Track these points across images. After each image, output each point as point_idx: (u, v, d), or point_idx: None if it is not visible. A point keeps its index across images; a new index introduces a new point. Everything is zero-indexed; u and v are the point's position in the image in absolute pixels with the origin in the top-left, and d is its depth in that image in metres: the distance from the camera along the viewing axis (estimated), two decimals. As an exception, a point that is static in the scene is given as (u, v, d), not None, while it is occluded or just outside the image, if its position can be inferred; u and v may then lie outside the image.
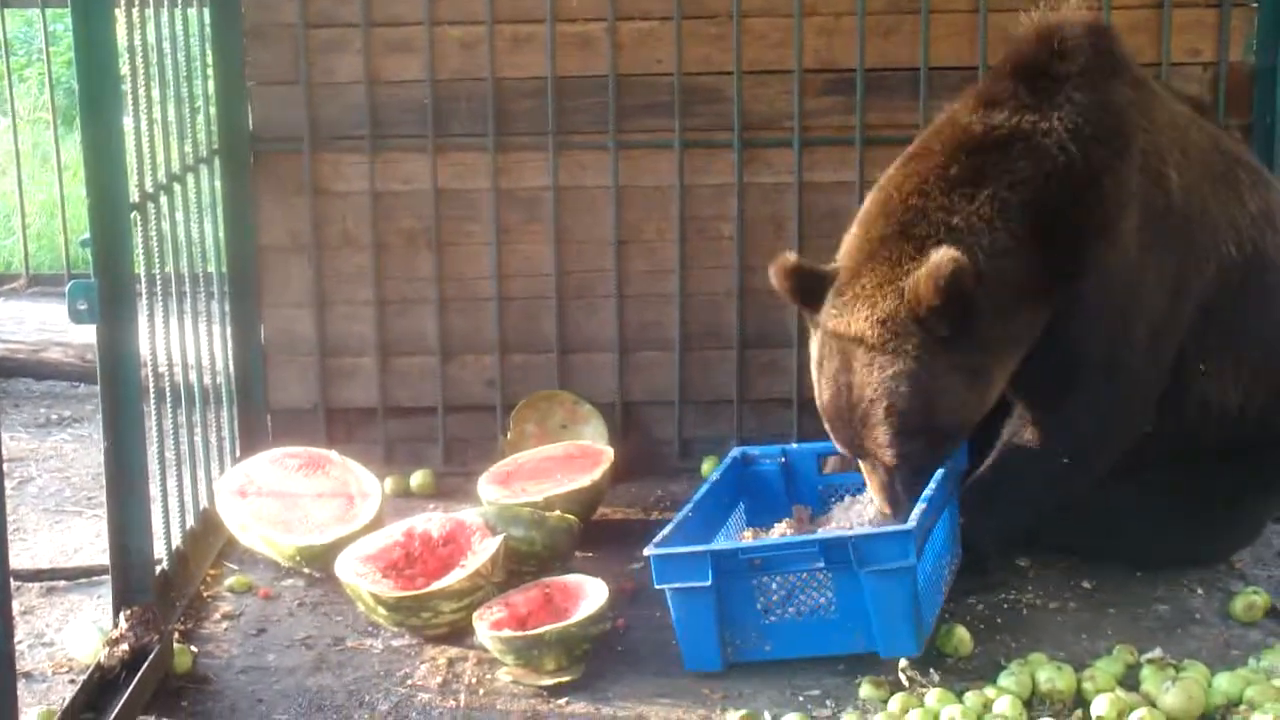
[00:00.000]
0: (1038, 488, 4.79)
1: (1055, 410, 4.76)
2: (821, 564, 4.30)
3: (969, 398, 4.58)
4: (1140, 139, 4.71)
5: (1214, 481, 4.87)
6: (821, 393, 4.66)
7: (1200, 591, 4.86)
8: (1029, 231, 4.58)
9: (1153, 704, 4.16)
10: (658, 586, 4.40)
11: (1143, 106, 4.77)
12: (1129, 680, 4.32)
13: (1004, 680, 4.26)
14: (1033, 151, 4.63)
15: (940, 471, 4.57)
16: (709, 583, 4.34)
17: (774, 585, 4.40)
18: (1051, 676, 4.25)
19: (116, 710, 4.03)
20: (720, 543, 4.57)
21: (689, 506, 4.72)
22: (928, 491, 4.49)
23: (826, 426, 4.68)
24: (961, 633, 4.51)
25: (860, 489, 4.80)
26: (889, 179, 4.77)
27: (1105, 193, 4.63)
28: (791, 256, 4.71)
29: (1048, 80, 4.71)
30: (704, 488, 4.86)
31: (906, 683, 4.32)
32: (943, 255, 4.40)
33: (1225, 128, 5.26)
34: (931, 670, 4.38)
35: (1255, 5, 5.77)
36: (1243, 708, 4.14)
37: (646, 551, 4.43)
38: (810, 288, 4.67)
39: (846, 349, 4.56)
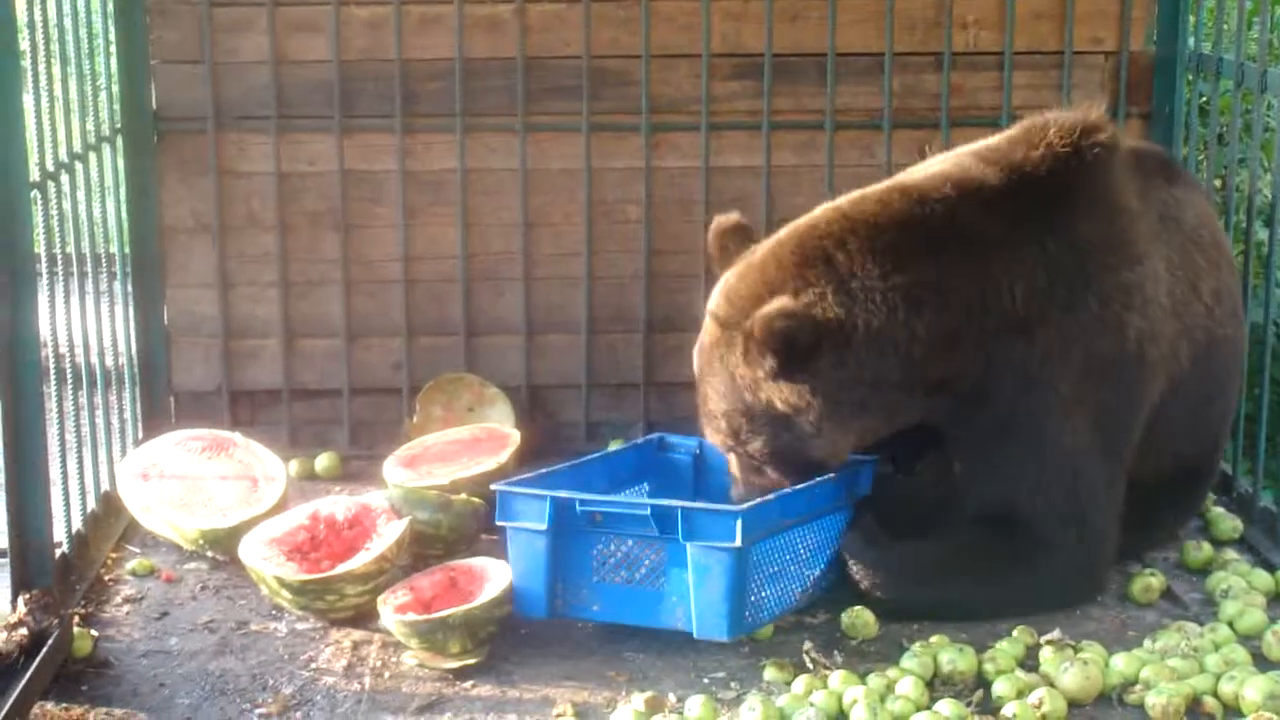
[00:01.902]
0: (970, 594, 4.65)
1: (1012, 560, 4.62)
2: (654, 530, 4.34)
3: (788, 440, 4.57)
4: (1100, 286, 4.57)
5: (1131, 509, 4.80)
6: None
7: (1099, 574, 4.92)
8: (931, 337, 4.49)
9: (1052, 684, 4.21)
10: (496, 523, 4.49)
11: (1114, 243, 4.62)
12: (1029, 661, 4.37)
13: (907, 662, 4.30)
14: (974, 269, 4.51)
15: (832, 477, 4.63)
16: (545, 526, 4.40)
17: (611, 546, 4.44)
18: (953, 658, 4.30)
19: (14, 696, 3.98)
20: (562, 491, 4.55)
21: (567, 464, 4.82)
22: (798, 488, 4.54)
23: None
24: (865, 615, 4.55)
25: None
26: (863, 194, 4.66)
27: (1034, 344, 4.54)
28: (734, 216, 4.83)
29: (1028, 198, 4.55)
30: (594, 455, 4.99)
31: (810, 664, 4.35)
32: (773, 308, 4.40)
33: (1189, 184, 5.07)
34: (835, 652, 4.42)
35: (1156, -5, 5.85)
36: (1138, 687, 4.21)
37: (493, 486, 4.53)
38: (731, 255, 4.77)
39: (707, 332, 4.67)
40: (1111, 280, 4.59)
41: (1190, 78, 5.80)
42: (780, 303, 4.43)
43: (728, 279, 4.70)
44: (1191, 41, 5.77)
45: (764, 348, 4.43)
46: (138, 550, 5.08)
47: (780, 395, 4.52)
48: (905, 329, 4.47)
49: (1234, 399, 5.11)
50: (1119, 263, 4.62)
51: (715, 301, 4.69)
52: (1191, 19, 5.78)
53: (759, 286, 4.56)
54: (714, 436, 4.75)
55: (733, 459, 4.77)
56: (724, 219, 4.86)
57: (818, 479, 4.60)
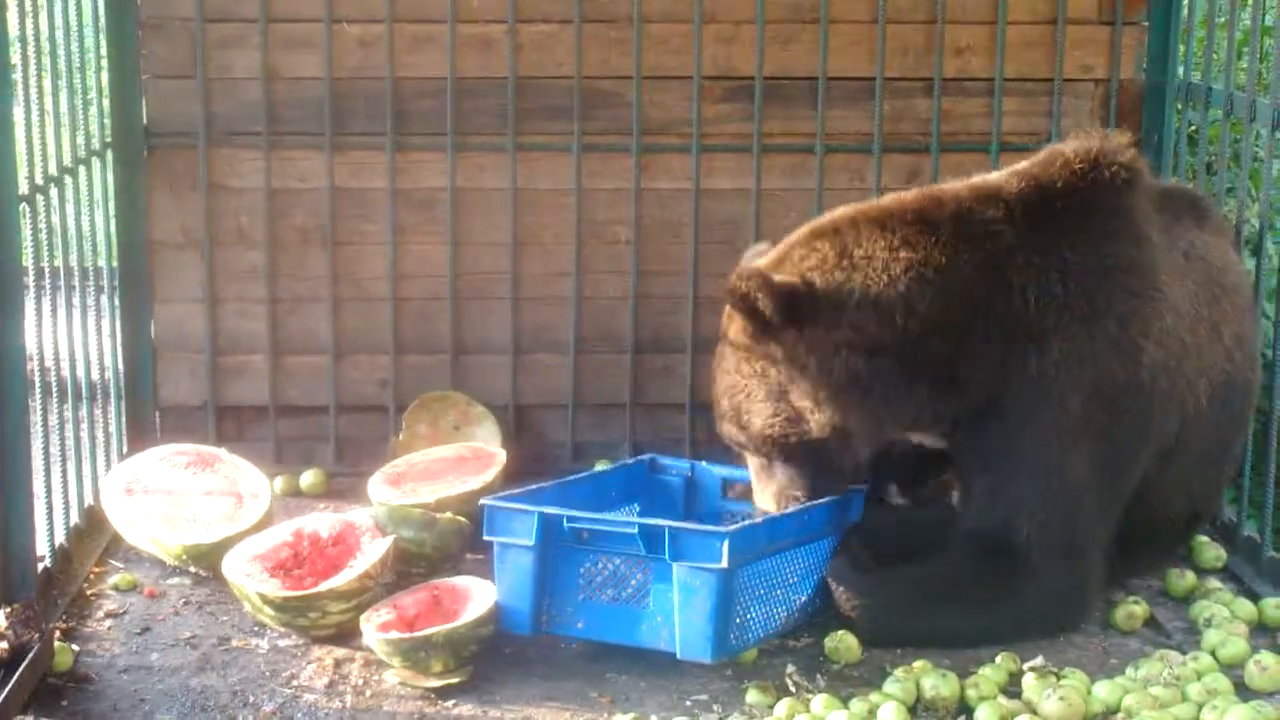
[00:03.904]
0: (960, 620, 4.63)
1: (1001, 578, 4.61)
2: (641, 549, 4.35)
3: (786, 416, 4.59)
4: (1120, 308, 4.57)
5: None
6: None
7: (1083, 601, 4.92)
8: (931, 317, 4.50)
9: (1034, 712, 4.21)
10: (485, 538, 4.50)
11: (1138, 268, 4.61)
12: (1012, 688, 4.37)
13: (889, 687, 4.30)
14: (986, 266, 4.54)
15: (823, 502, 4.63)
16: (532, 542, 4.41)
17: (598, 564, 4.45)
18: (936, 684, 4.30)
19: (-6, 709, 3.98)
20: (549, 507, 4.55)
21: (556, 482, 4.84)
22: (788, 512, 4.56)
23: None
24: (849, 639, 4.54)
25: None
26: (882, 196, 4.83)
27: (1048, 354, 4.53)
28: (763, 245, 4.91)
29: (1045, 210, 4.59)
30: (584, 474, 5.02)
31: (793, 688, 4.35)
32: (744, 265, 4.59)
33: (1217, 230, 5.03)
34: (818, 676, 4.42)
35: (1146, 25, 5.86)
36: (1120, 715, 4.20)
37: (482, 501, 4.54)
38: None
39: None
40: (1131, 304, 4.59)
41: (1179, 106, 5.81)
42: (753, 265, 4.57)
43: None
44: (1181, 70, 5.78)
45: (734, 308, 4.55)
46: (120, 565, 5.07)
47: (773, 361, 4.56)
48: (903, 301, 4.50)
49: (1243, 443, 5.11)
50: (1140, 288, 4.62)
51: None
52: (1181, 48, 5.79)
53: (768, 264, 4.64)
54: (721, 426, 4.76)
55: (749, 461, 4.77)
56: (758, 246, 4.96)
57: (807, 504, 4.60)
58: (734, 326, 4.65)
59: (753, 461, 4.78)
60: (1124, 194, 4.65)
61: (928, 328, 4.52)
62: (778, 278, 4.51)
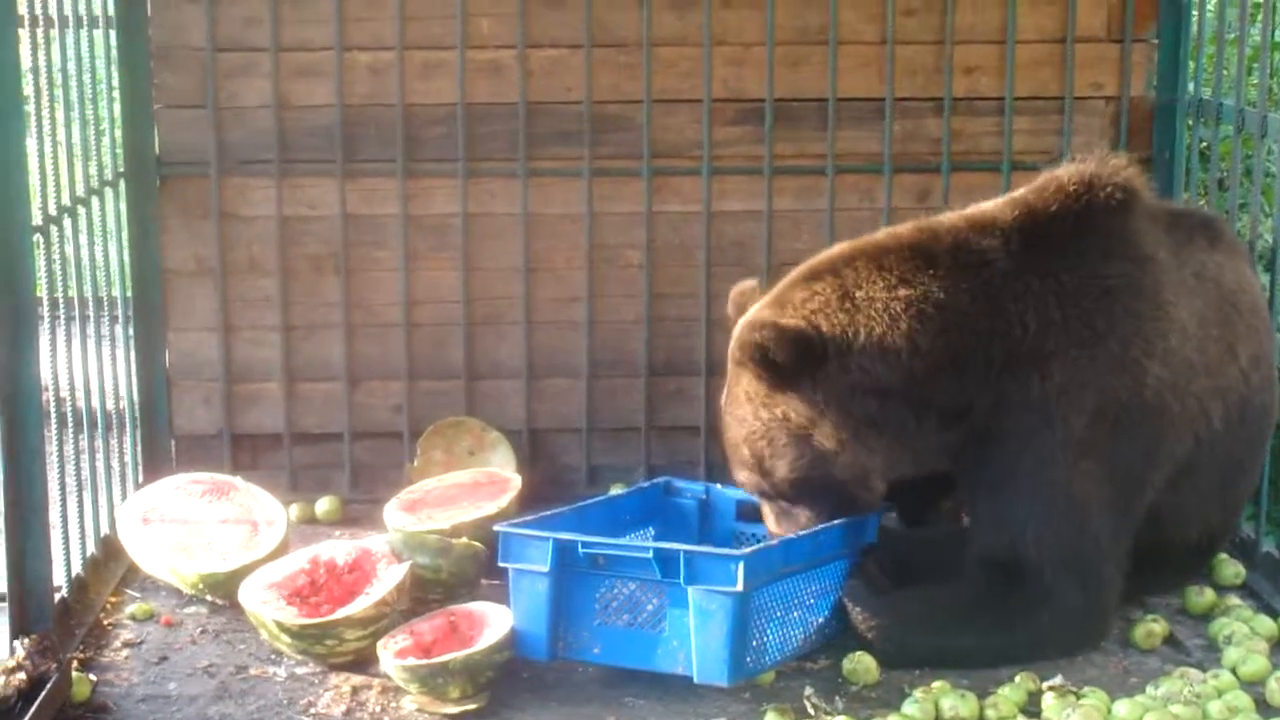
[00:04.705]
0: (974, 640, 4.62)
1: (1016, 597, 4.60)
2: (656, 573, 4.34)
3: (811, 460, 4.58)
4: (1122, 328, 4.56)
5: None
6: None
7: (1101, 619, 4.90)
8: (935, 354, 4.51)
9: (1054, 731, 4.21)
10: (500, 564, 4.51)
11: (1139, 289, 4.61)
12: (1031, 707, 4.35)
13: (908, 708, 4.29)
14: (983, 295, 4.55)
15: (838, 524, 4.62)
16: (547, 568, 4.40)
17: (613, 589, 4.44)
18: (955, 704, 4.28)
19: (13, 740, 3.98)
20: (564, 533, 4.54)
21: (571, 506, 4.84)
22: (800, 534, 4.56)
23: None
24: (867, 660, 4.53)
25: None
26: (878, 230, 4.82)
27: (1049, 379, 4.54)
28: (751, 281, 4.92)
29: (1040, 235, 4.59)
30: (599, 498, 5.02)
31: (812, 710, 4.33)
32: (751, 317, 4.57)
33: (1229, 249, 4.96)
34: (837, 698, 4.41)
35: (1156, 42, 5.86)
36: (1141, 734, 4.20)
37: (496, 527, 4.55)
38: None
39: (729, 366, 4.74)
40: (1134, 325, 4.58)
41: (1190, 123, 5.81)
42: (760, 313, 4.57)
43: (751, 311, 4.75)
44: (1192, 87, 5.79)
45: (747, 360, 4.54)
46: (137, 594, 5.07)
47: (792, 406, 4.55)
48: (908, 340, 4.50)
49: (1261, 466, 5.07)
50: (1142, 308, 4.60)
51: (735, 332, 4.72)
52: (1192, 65, 5.80)
53: (769, 307, 4.64)
54: (740, 473, 4.75)
55: (765, 508, 4.77)
56: (743, 284, 4.94)
57: (823, 525, 4.59)
58: (746, 376, 4.63)
59: (770, 508, 4.77)
60: (1120, 215, 4.65)
61: (932, 365, 4.53)
62: (787, 323, 4.52)
